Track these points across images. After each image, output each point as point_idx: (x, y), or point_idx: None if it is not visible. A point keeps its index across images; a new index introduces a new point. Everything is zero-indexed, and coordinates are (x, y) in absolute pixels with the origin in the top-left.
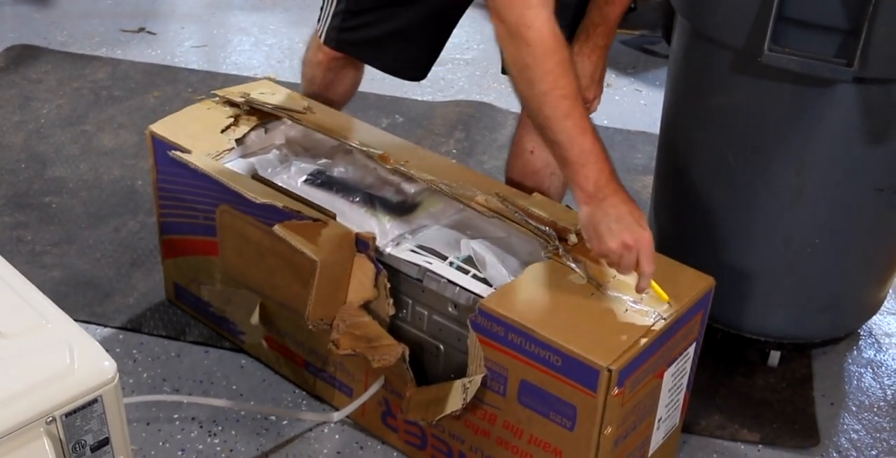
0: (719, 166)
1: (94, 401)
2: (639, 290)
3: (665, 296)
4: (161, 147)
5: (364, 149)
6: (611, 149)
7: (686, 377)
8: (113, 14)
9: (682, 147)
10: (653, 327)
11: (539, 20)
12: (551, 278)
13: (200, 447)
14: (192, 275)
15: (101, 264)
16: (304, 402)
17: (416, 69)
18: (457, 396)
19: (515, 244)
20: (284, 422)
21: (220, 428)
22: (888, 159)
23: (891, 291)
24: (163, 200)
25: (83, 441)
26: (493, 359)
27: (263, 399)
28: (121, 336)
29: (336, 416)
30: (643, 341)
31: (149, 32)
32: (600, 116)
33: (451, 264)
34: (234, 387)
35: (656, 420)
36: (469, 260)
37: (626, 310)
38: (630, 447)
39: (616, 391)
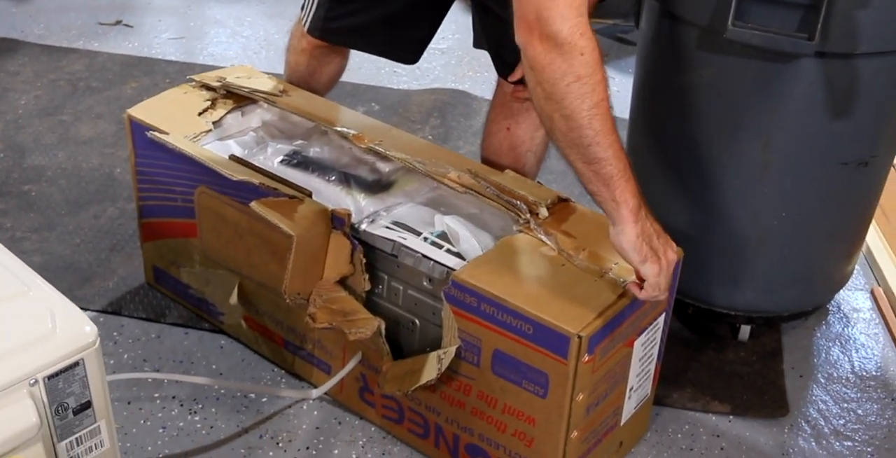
0: (687, 143)
1: (76, 364)
2: (642, 296)
3: None
4: (139, 131)
5: (339, 129)
6: None
7: (656, 347)
8: (90, 8)
9: (651, 125)
10: (622, 296)
11: (589, 28)
12: (523, 250)
13: (181, 424)
14: (172, 257)
15: (81, 249)
16: (283, 380)
17: (409, 52)
18: (432, 367)
19: (488, 220)
20: (264, 399)
21: (200, 406)
22: (851, 133)
23: (858, 266)
24: (141, 183)
25: (66, 404)
26: (467, 330)
27: (243, 378)
28: (101, 319)
29: (314, 393)
30: (612, 309)
31: (126, 25)
32: None
33: (425, 239)
34: (213, 366)
35: (628, 389)
36: (443, 235)
37: (596, 280)
38: (602, 415)
39: (586, 357)
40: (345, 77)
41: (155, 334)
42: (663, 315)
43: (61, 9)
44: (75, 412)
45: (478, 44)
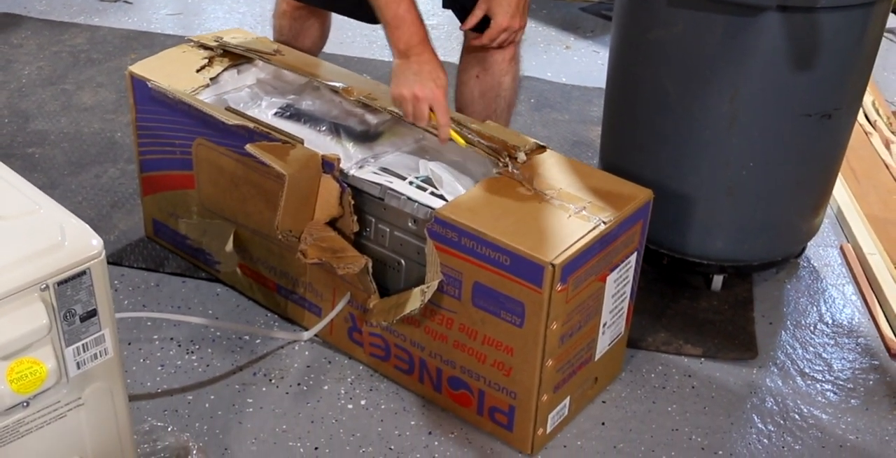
0: (660, 97)
1: (83, 273)
2: (441, 140)
3: (462, 142)
4: (140, 87)
5: (330, 83)
6: (569, 102)
7: (629, 286)
8: None
9: (627, 81)
10: (593, 230)
11: None
12: (501, 190)
13: (179, 363)
14: (170, 209)
15: (83, 206)
16: (276, 324)
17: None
18: (416, 299)
19: (470, 166)
20: (257, 341)
21: (196, 347)
22: (814, 86)
23: (828, 225)
24: (142, 138)
25: (73, 311)
26: (449, 264)
27: (238, 322)
28: None
29: (306, 334)
30: (584, 242)
31: (125, 2)
32: (559, 74)
33: (410, 183)
34: (210, 312)
35: (601, 325)
36: (427, 179)
37: (570, 216)
38: (576, 347)
39: (560, 286)
40: (337, 50)
41: (154, 282)
42: (635, 255)
43: None
44: (82, 319)
45: (445, 4)
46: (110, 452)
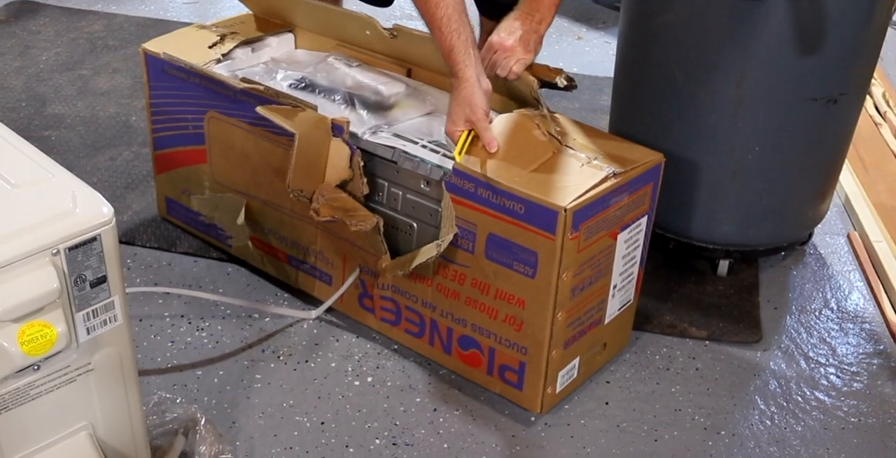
0: (667, 82)
1: (94, 239)
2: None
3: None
4: (153, 63)
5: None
6: (580, 92)
7: (639, 251)
8: None
9: (635, 66)
10: (605, 180)
11: None
12: (517, 135)
13: (189, 339)
14: (183, 186)
15: (97, 187)
16: (286, 302)
17: None
18: (431, 250)
19: None
20: (267, 319)
21: (207, 324)
22: (819, 71)
23: (836, 213)
24: (155, 115)
25: (84, 276)
26: (464, 217)
27: (248, 300)
28: None
29: (314, 313)
30: (596, 191)
31: None
32: (571, 65)
33: (423, 146)
34: (220, 290)
35: (612, 286)
36: (440, 143)
37: (583, 165)
38: (587, 304)
39: (572, 234)
40: None
41: (166, 261)
42: (645, 218)
43: None
44: (92, 285)
45: None
46: (119, 418)
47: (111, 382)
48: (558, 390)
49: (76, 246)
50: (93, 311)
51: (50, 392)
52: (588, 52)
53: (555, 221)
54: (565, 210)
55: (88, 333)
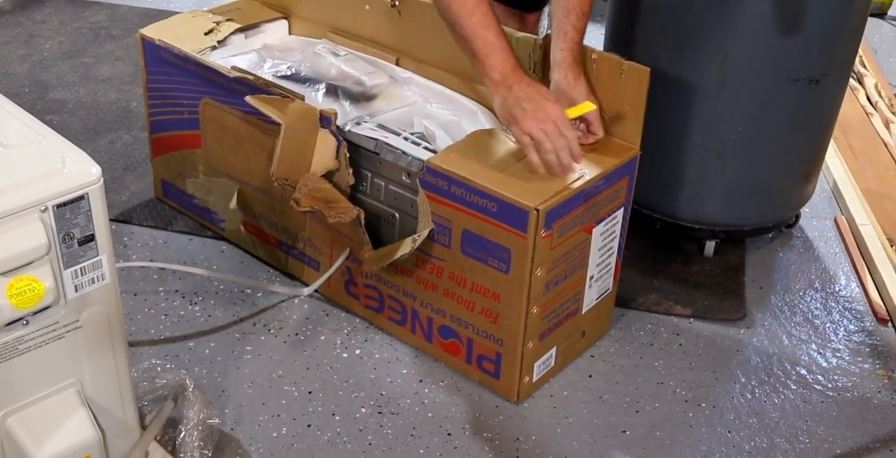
0: (652, 62)
1: (81, 198)
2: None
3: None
4: (151, 49)
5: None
6: None
7: (616, 242)
8: None
9: (620, 48)
10: (578, 180)
11: None
12: (490, 142)
13: (182, 313)
14: (179, 169)
15: None
16: (278, 279)
17: None
18: (407, 245)
19: (464, 124)
20: (259, 294)
21: (200, 298)
22: (800, 51)
23: (824, 197)
24: (152, 99)
25: (72, 234)
26: (439, 213)
27: (241, 276)
28: (113, 227)
29: (306, 290)
30: (568, 191)
31: None
32: None
33: (405, 138)
34: (214, 267)
35: (588, 278)
36: (422, 136)
37: None
38: (562, 297)
39: (544, 232)
40: None
41: (162, 240)
42: (622, 210)
43: None
44: (80, 243)
45: None
46: (107, 377)
47: (99, 340)
48: (535, 378)
49: (64, 204)
50: (80, 269)
51: (38, 348)
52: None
53: (526, 220)
54: (537, 210)
55: (76, 290)
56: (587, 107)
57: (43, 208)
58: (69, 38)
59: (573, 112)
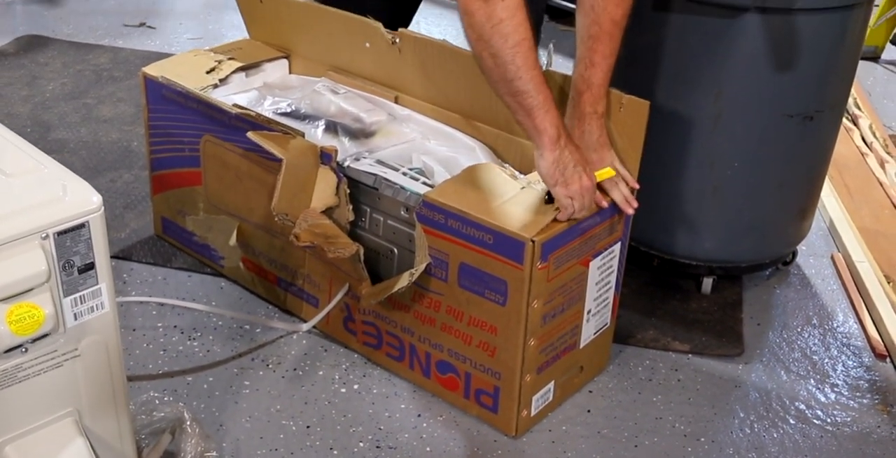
0: (648, 97)
1: (82, 226)
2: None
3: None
4: (153, 87)
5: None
6: None
7: (614, 276)
8: (116, 12)
9: (618, 84)
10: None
11: None
12: (486, 176)
13: (181, 348)
14: (179, 207)
15: None
16: (277, 315)
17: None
18: (404, 279)
19: (462, 162)
20: (258, 330)
21: (199, 334)
22: (794, 88)
23: (821, 235)
24: (153, 137)
25: (72, 261)
26: (436, 246)
27: (240, 312)
28: (112, 263)
29: (305, 325)
30: (564, 223)
31: (149, 27)
32: None
33: (404, 173)
34: (213, 303)
35: (586, 312)
36: (420, 171)
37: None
38: (560, 330)
39: (540, 264)
40: None
41: (161, 276)
42: (619, 245)
43: (89, 12)
44: (80, 271)
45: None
46: (105, 407)
47: (97, 369)
48: (533, 413)
49: (65, 231)
50: (80, 297)
51: (37, 376)
52: None
53: (522, 251)
54: (532, 241)
55: (76, 318)
56: (608, 174)
57: (44, 235)
58: (71, 80)
59: (598, 177)
